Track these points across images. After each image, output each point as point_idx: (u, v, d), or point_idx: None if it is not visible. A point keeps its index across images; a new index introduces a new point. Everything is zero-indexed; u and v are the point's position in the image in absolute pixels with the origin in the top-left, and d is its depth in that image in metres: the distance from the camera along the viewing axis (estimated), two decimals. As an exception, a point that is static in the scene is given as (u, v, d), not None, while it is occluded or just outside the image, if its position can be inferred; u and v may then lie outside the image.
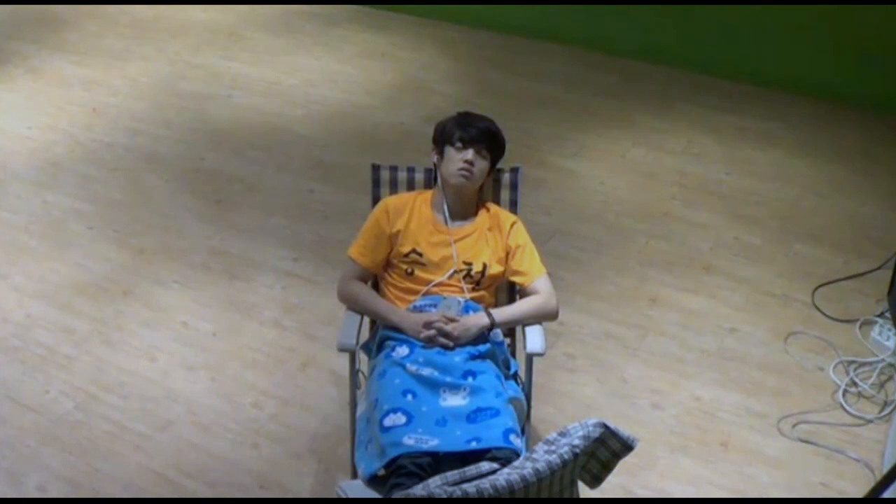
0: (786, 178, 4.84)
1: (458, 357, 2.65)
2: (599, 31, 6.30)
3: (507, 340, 2.89)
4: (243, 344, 3.66)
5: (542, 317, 2.80)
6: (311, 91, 5.77)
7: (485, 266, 2.83)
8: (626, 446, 2.33)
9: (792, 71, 5.69)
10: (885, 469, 2.92)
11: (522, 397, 2.71)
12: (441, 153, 2.88)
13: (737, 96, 5.71)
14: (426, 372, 2.60)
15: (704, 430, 3.28)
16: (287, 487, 3.03)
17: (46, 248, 4.23)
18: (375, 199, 3.03)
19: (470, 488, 2.13)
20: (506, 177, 3.05)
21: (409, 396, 2.55)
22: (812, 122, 5.42)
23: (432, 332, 2.68)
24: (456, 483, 2.25)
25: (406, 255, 2.83)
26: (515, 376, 2.81)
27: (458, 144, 2.82)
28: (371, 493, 2.45)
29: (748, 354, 3.65)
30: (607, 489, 2.80)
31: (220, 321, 3.78)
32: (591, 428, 2.26)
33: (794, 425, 3.31)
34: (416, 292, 2.82)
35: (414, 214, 2.87)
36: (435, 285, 2.81)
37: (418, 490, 2.21)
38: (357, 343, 2.71)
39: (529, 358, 2.71)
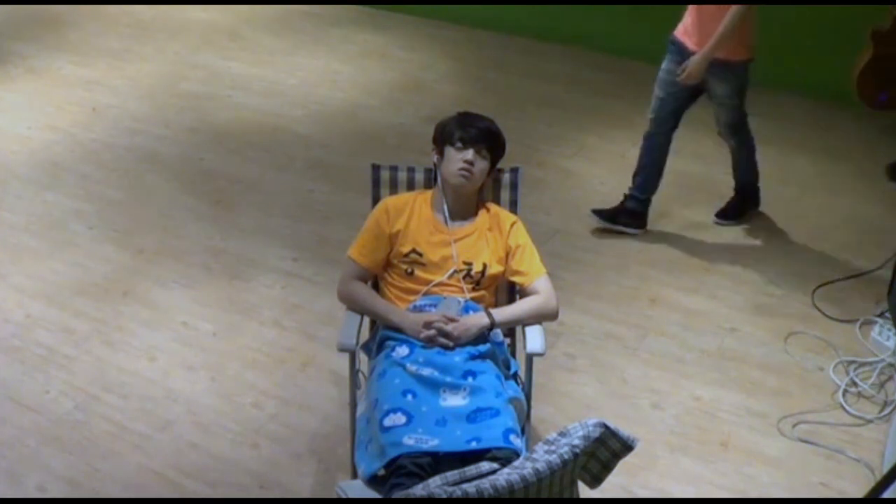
0: (785, 177, 4.84)
1: (458, 357, 2.65)
2: (599, 31, 6.30)
3: (507, 340, 2.89)
4: (243, 344, 3.66)
5: (542, 317, 2.80)
6: (311, 91, 5.77)
7: (485, 266, 2.83)
8: (626, 446, 2.32)
9: (792, 71, 5.69)
10: (885, 469, 2.92)
11: (522, 397, 2.71)
12: (441, 153, 2.88)
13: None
14: (426, 372, 2.60)
15: (704, 430, 3.28)
16: (287, 487, 3.03)
17: (46, 248, 4.23)
18: (375, 199, 3.03)
19: (470, 488, 2.13)
20: (506, 177, 3.04)
21: (409, 396, 2.55)
22: (812, 122, 5.42)
23: (432, 331, 2.68)
24: (456, 483, 2.25)
25: (406, 255, 2.83)
26: (515, 376, 2.81)
27: (458, 144, 2.82)
28: (371, 493, 2.45)
29: (748, 354, 3.65)
30: (607, 489, 2.80)
31: (220, 321, 3.78)
32: (591, 428, 2.26)
33: (794, 425, 3.31)
34: (416, 292, 2.82)
35: (414, 214, 2.87)
36: (435, 285, 2.81)
37: (418, 490, 2.21)
38: (357, 343, 2.71)
39: (529, 358, 2.71)
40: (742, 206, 4.50)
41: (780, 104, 5.58)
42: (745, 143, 4.34)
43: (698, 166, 4.94)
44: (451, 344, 2.67)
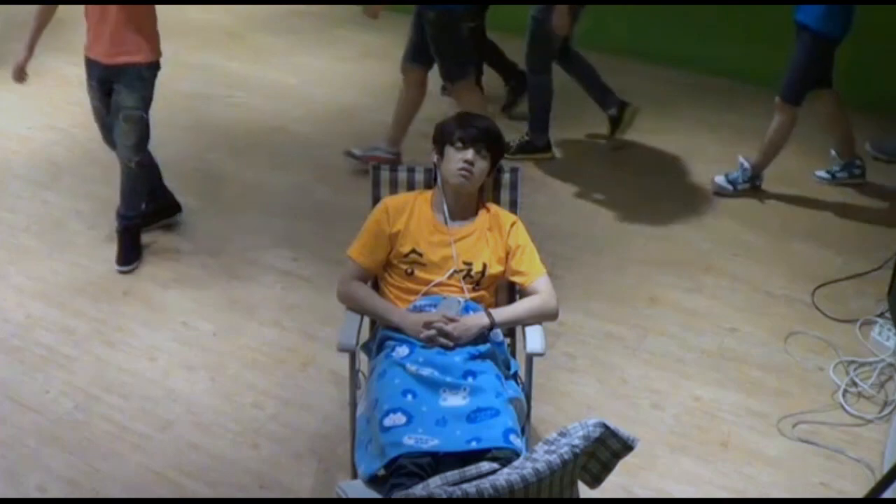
0: (785, 177, 4.84)
1: (458, 357, 2.65)
2: (600, 31, 6.29)
3: (507, 340, 2.89)
4: (243, 344, 3.66)
5: (542, 317, 2.80)
6: (311, 91, 5.77)
7: (485, 266, 2.83)
8: (626, 446, 2.33)
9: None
10: (885, 469, 2.92)
11: (522, 397, 2.71)
12: (441, 153, 2.88)
13: (737, 96, 5.71)
14: (426, 372, 2.60)
15: (704, 430, 3.28)
16: (287, 487, 3.03)
17: (46, 248, 4.23)
18: (375, 199, 3.03)
19: (470, 488, 2.13)
20: (506, 177, 3.05)
21: (409, 396, 2.55)
22: (811, 122, 5.41)
23: (432, 331, 2.68)
24: (456, 483, 2.25)
25: (406, 255, 2.83)
26: (515, 376, 2.81)
27: (458, 144, 2.82)
28: (371, 493, 2.44)
29: (748, 354, 3.65)
30: (607, 489, 2.79)
31: (220, 321, 3.78)
32: (591, 428, 2.26)
33: (794, 425, 3.31)
34: (416, 292, 2.82)
35: (414, 214, 2.87)
36: (435, 285, 2.81)
37: (418, 490, 2.21)
38: (357, 343, 2.71)
39: (529, 358, 2.71)
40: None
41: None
42: (148, 163, 4.06)
43: (698, 166, 4.94)
44: (450, 344, 2.67)
